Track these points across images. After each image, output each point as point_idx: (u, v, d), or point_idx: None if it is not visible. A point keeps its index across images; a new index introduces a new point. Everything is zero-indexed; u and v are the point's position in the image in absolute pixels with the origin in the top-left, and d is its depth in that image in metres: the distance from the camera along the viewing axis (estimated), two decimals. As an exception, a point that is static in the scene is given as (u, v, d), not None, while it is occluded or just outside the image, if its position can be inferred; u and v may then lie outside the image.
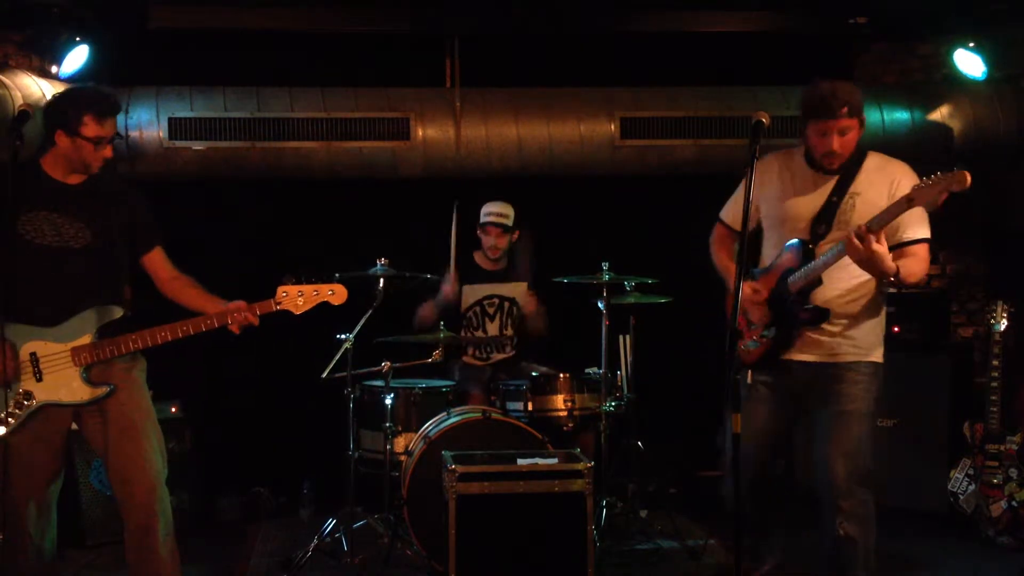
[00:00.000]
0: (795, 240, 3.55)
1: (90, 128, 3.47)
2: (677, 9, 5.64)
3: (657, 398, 5.57)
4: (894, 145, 5.76)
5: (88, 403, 3.51)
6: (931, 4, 5.47)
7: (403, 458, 4.75)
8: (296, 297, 3.59)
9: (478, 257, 5.57)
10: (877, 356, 3.63)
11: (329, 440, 5.23)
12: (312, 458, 5.59)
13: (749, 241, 3.68)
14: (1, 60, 5.17)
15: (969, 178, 3.18)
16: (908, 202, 3.26)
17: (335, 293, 3.65)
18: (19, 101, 4.63)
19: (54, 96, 3.66)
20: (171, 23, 5.37)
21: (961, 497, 5.10)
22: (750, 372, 3.57)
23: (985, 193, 6.04)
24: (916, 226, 3.55)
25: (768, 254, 3.73)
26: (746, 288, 3.59)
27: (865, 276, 3.50)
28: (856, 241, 3.27)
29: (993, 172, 5.97)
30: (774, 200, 3.67)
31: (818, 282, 3.48)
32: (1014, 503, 4.92)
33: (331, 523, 4.80)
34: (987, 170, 5.93)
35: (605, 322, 5.03)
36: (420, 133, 5.55)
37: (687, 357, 5.93)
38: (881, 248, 3.28)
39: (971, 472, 5.08)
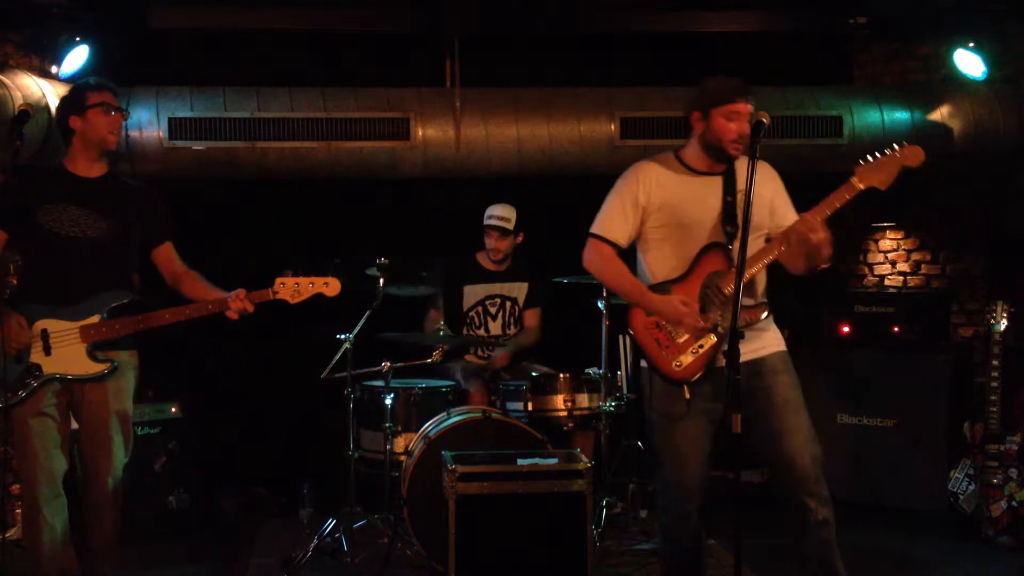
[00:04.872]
0: (713, 243, 3.49)
1: (92, 97, 3.78)
2: (677, 9, 5.64)
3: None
4: (894, 145, 5.79)
5: (92, 377, 3.73)
6: (931, 4, 5.47)
7: (403, 458, 4.75)
8: (293, 288, 3.80)
9: (480, 257, 5.58)
10: (784, 344, 3.64)
11: (329, 440, 5.22)
12: (312, 458, 5.59)
13: (623, 255, 3.62)
14: (1, 60, 5.17)
15: (923, 153, 3.20)
16: (856, 184, 3.33)
17: (329, 285, 3.82)
18: (19, 101, 4.63)
19: (60, 100, 4.00)
20: (171, 23, 5.37)
21: (961, 497, 5.10)
22: (686, 388, 3.47)
23: (985, 193, 6.10)
24: (792, 209, 3.59)
25: (665, 264, 3.58)
26: (674, 302, 3.45)
27: (756, 266, 3.48)
28: (809, 234, 3.30)
29: (993, 172, 5.98)
30: (666, 208, 3.55)
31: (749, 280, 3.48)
32: (1014, 503, 4.92)
33: (331, 523, 4.80)
34: (987, 170, 5.96)
35: (605, 322, 5.03)
36: (420, 133, 5.55)
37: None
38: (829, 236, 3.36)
39: (971, 472, 5.08)
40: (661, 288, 3.55)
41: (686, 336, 3.49)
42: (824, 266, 3.48)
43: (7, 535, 3.85)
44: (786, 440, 3.46)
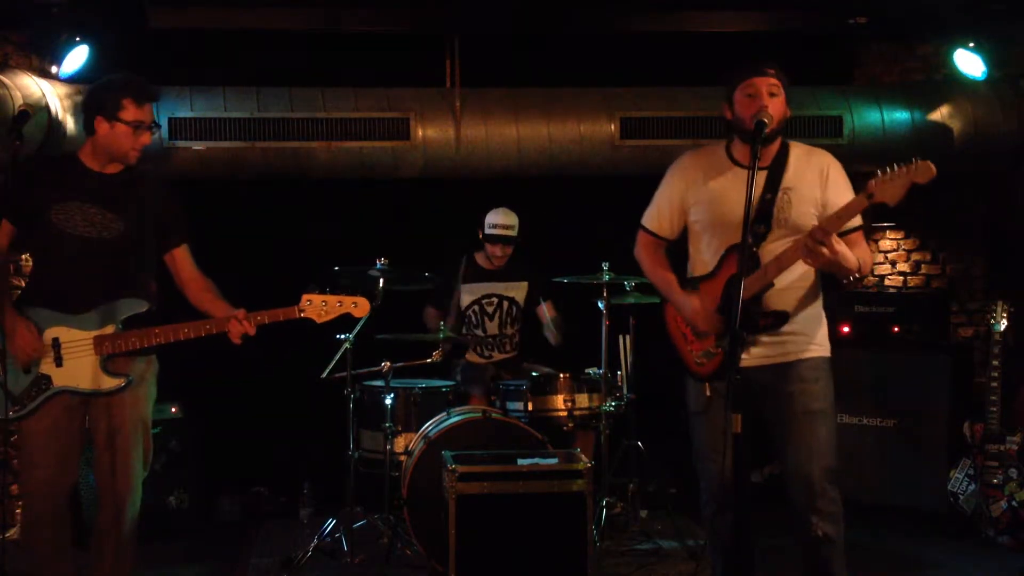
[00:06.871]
0: (739, 243, 3.29)
1: (129, 112, 3.49)
2: (677, 9, 5.63)
3: (657, 398, 5.55)
4: (894, 145, 5.79)
5: (105, 393, 3.50)
6: (931, 4, 5.46)
7: (403, 458, 4.76)
8: (320, 306, 3.57)
9: (479, 257, 5.58)
10: (827, 350, 3.54)
11: (329, 440, 5.23)
12: (312, 458, 5.59)
13: (672, 248, 3.64)
14: (1, 60, 5.17)
15: (934, 169, 3.08)
16: (868, 198, 3.15)
17: (358, 305, 3.62)
18: (19, 101, 4.62)
19: (93, 85, 3.66)
20: (171, 23, 5.36)
21: (961, 497, 5.10)
22: (707, 384, 3.45)
23: (985, 193, 6.10)
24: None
25: (701, 259, 3.54)
26: (694, 302, 3.46)
27: (805, 268, 3.41)
28: (816, 246, 3.16)
29: (993, 172, 5.98)
30: (705, 202, 3.49)
31: (770, 285, 3.38)
32: (1014, 503, 4.92)
33: (331, 523, 4.81)
34: (987, 170, 5.95)
35: (605, 322, 5.03)
36: (420, 133, 5.55)
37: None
38: (843, 247, 3.22)
39: (971, 472, 5.08)
40: (691, 284, 3.54)
41: (707, 335, 3.46)
42: (856, 276, 3.37)
43: (7, 535, 3.78)
44: (798, 452, 3.44)
